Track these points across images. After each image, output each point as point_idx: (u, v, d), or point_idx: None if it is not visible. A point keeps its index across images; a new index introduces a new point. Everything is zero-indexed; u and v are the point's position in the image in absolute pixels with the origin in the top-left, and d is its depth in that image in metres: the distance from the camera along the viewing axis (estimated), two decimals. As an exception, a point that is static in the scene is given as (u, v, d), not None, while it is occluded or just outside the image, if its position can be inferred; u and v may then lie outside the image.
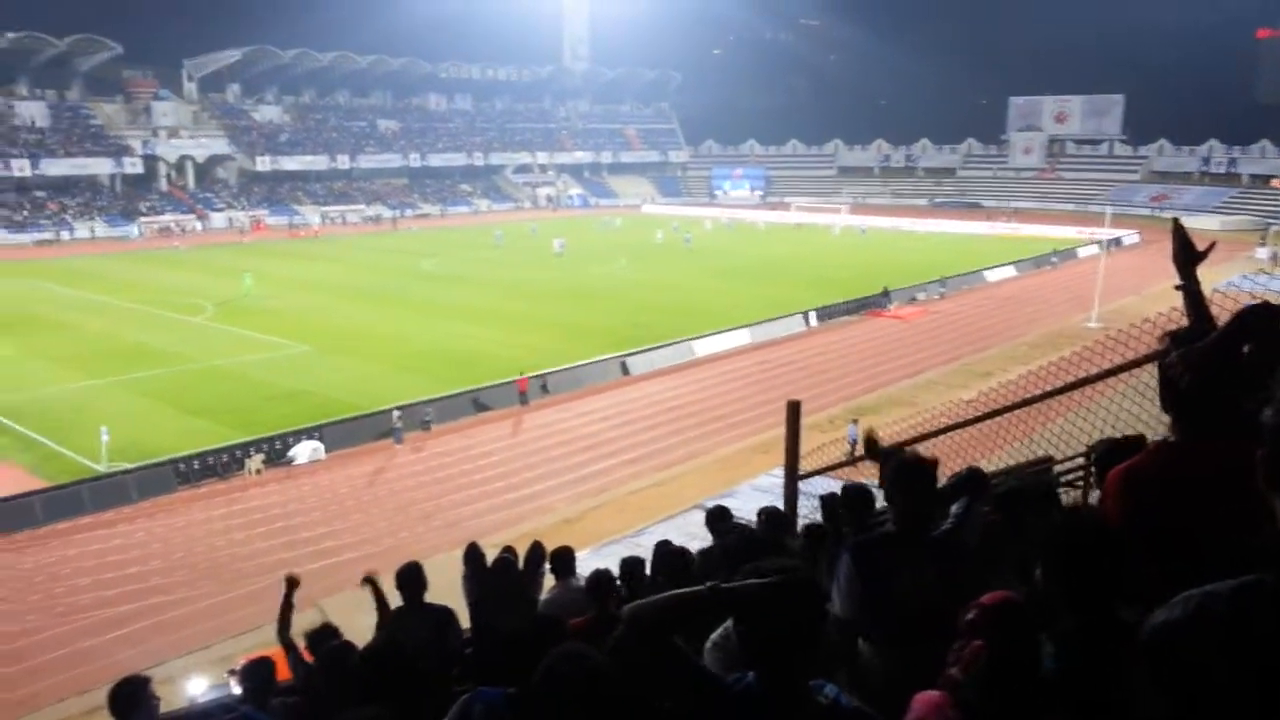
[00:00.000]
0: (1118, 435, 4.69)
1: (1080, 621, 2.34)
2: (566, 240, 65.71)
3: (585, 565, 9.57)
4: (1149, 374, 5.11)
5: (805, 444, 9.69)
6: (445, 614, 6.56)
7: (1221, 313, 5.13)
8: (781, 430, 9.55)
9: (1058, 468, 8.79)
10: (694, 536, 13.59)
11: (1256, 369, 2.75)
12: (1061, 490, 8.40)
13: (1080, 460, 8.40)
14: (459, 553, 7.36)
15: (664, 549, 7.61)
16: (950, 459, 7.95)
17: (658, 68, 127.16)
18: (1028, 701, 2.24)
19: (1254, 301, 2.85)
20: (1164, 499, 2.65)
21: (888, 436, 9.39)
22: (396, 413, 27.39)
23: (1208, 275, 3.66)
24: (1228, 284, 7.39)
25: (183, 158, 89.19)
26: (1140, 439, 4.12)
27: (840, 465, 10.20)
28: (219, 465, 24.36)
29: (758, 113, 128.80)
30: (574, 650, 2.62)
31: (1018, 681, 2.27)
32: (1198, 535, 2.49)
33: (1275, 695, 1.33)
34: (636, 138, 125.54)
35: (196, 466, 24.10)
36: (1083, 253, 63.61)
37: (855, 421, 23.89)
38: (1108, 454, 3.93)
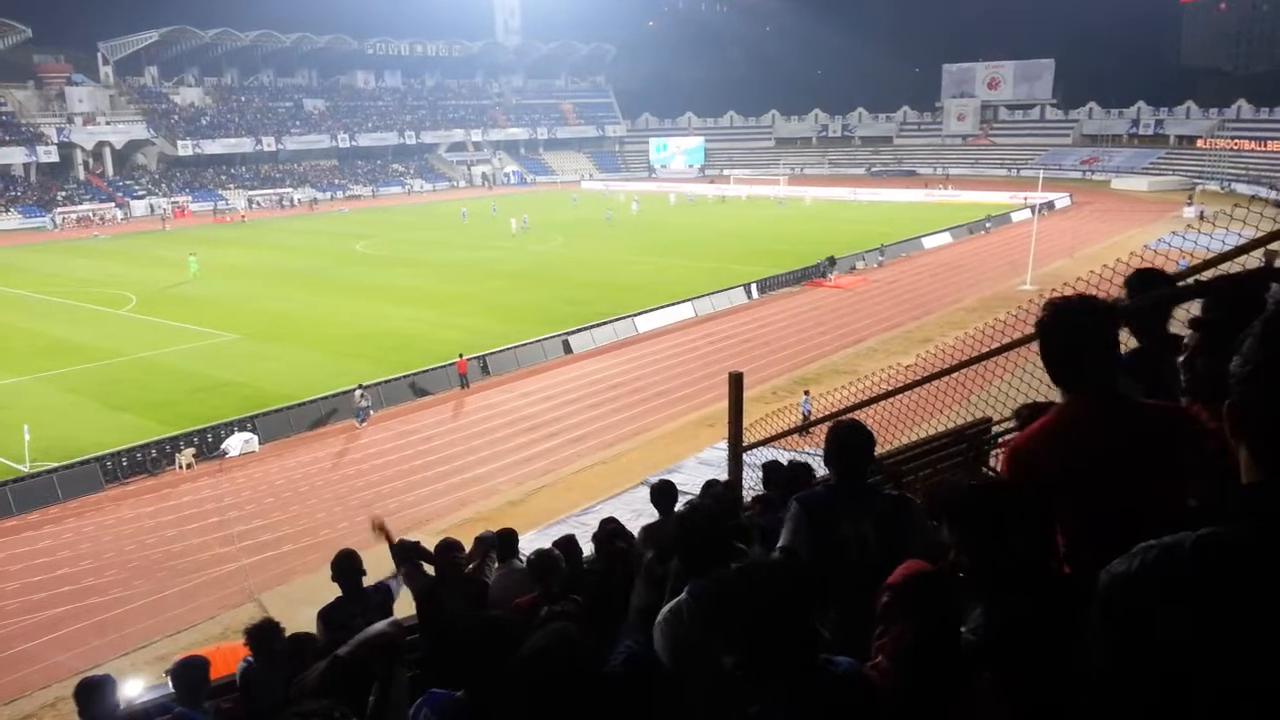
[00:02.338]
0: (1050, 399, 4.67)
1: (996, 586, 2.38)
2: (530, 217, 65.45)
3: (532, 546, 9.45)
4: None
5: (749, 416, 9.62)
6: (385, 594, 6.58)
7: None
8: (725, 403, 9.46)
9: (996, 428, 8.85)
10: (640, 513, 13.54)
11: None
12: (999, 450, 8.46)
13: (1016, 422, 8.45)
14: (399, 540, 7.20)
15: (608, 527, 7.52)
16: (893, 425, 7.96)
17: (592, 41, 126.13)
18: (955, 672, 2.26)
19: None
20: (1070, 468, 2.63)
21: (830, 405, 9.36)
22: (359, 391, 26.90)
23: (1140, 236, 3.62)
24: (1159, 242, 7.43)
25: (100, 144, 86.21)
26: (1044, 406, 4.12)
27: (785, 435, 10.16)
28: (148, 461, 23.60)
29: (694, 85, 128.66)
30: (563, 631, 2.64)
31: (943, 654, 2.27)
32: (1107, 506, 2.47)
33: (1231, 649, 1.30)
34: (572, 112, 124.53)
35: (125, 463, 23.32)
36: (1016, 217, 64.76)
37: (807, 393, 23.99)
38: (1031, 419, 3.92)
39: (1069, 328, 2.71)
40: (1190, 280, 3.82)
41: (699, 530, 3.75)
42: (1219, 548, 1.37)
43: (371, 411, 27.27)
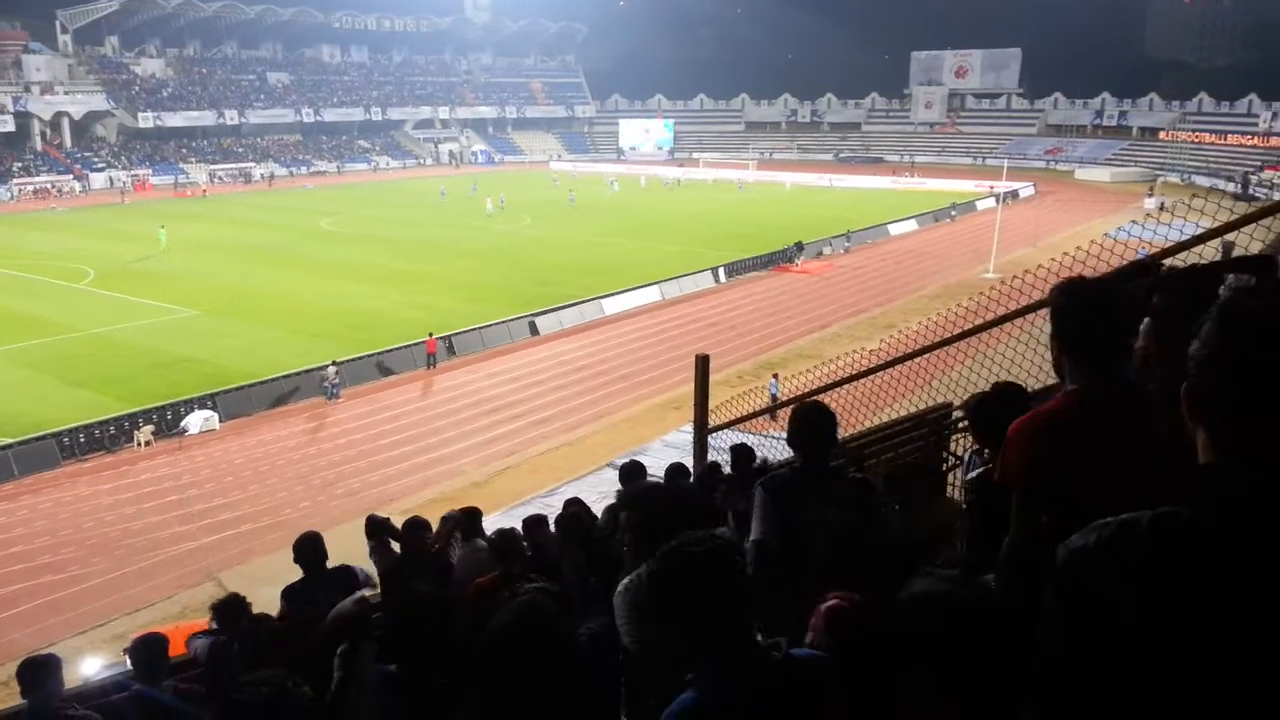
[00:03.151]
0: (1011, 381, 4.75)
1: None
2: (506, 197, 65.08)
3: (496, 527, 9.41)
4: (1043, 321, 5.17)
5: (714, 399, 9.68)
6: (348, 575, 6.47)
7: (1113, 256, 5.20)
8: (691, 386, 9.51)
9: (956, 413, 8.97)
10: (605, 495, 13.56)
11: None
12: (959, 435, 8.60)
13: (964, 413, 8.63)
14: (362, 522, 7.18)
15: (571, 509, 7.55)
16: (857, 409, 8.06)
17: (562, 19, 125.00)
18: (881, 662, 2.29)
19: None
20: (1077, 451, 2.61)
21: (795, 388, 9.44)
22: (333, 368, 26.83)
23: (1101, 225, 3.68)
24: (1120, 231, 7.57)
25: (58, 114, 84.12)
26: (1010, 385, 4.16)
27: (750, 417, 10.24)
28: (106, 438, 23.25)
29: (665, 67, 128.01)
30: (534, 603, 2.63)
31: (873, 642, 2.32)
32: (1112, 488, 2.45)
33: (1182, 628, 1.31)
34: (541, 92, 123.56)
35: (82, 439, 22.96)
36: (981, 205, 65.39)
37: (775, 376, 24.13)
38: (979, 406, 3.98)
39: (1089, 309, 2.68)
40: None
41: (663, 515, 3.69)
42: (1175, 527, 1.38)
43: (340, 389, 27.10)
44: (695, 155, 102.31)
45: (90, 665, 12.52)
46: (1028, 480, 2.74)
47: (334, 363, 27.16)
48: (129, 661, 5.97)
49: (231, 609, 5.87)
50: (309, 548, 6.32)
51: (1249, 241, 4.55)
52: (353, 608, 3.59)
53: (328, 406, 26.39)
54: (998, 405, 3.69)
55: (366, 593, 6.25)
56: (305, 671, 4.16)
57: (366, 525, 6.88)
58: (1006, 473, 2.81)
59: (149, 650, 5.52)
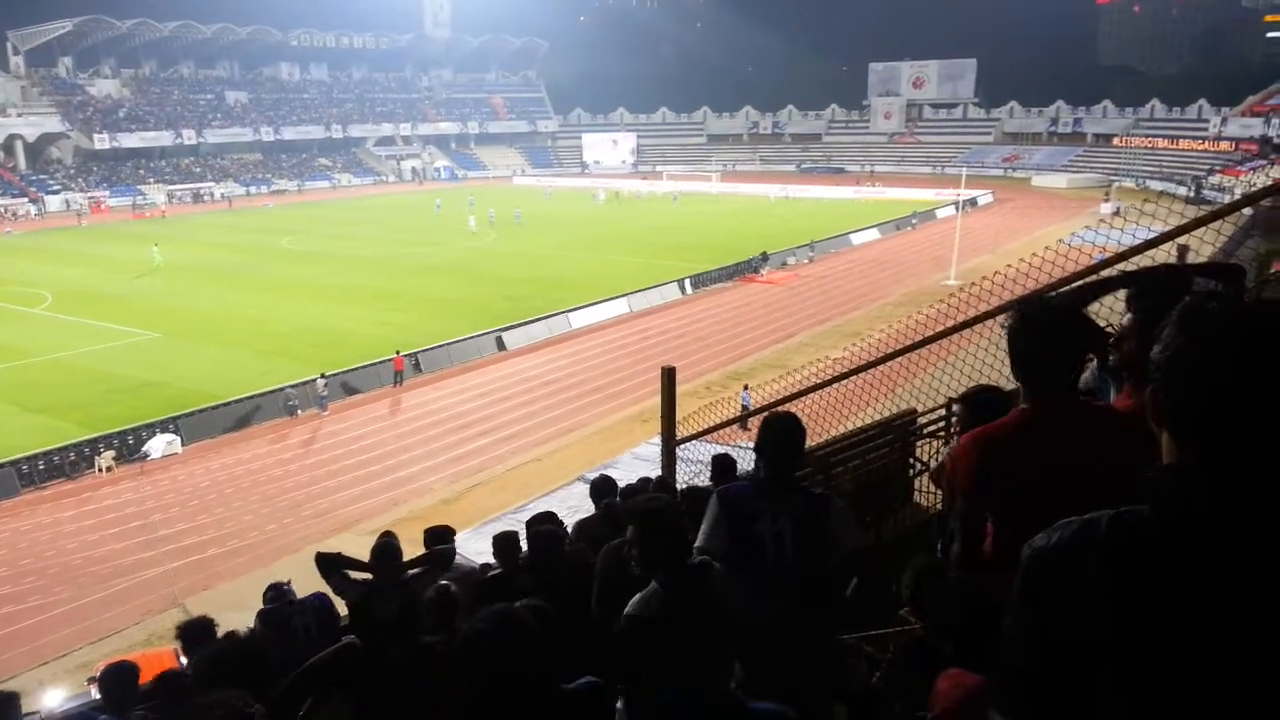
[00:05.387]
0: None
1: None
2: (497, 212, 64.97)
3: (467, 545, 9.36)
4: (1002, 328, 5.26)
5: (682, 410, 9.69)
6: (321, 605, 6.28)
7: (1068, 263, 5.32)
8: (660, 398, 9.52)
9: (921, 419, 9.09)
10: (577, 509, 13.52)
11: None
12: (924, 440, 8.68)
13: (941, 412, 8.72)
14: (332, 542, 7.06)
15: (540, 528, 7.49)
16: (823, 417, 8.12)
17: (523, 35, 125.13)
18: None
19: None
20: (1023, 466, 2.69)
21: (761, 399, 9.50)
22: (322, 381, 27.02)
23: (1058, 231, 3.73)
24: (1074, 237, 7.73)
25: (11, 137, 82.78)
26: (995, 389, 4.22)
27: (718, 428, 10.28)
28: (66, 464, 22.83)
29: (626, 81, 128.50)
30: (507, 613, 2.53)
31: None
32: (1059, 497, 2.51)
33: (1140, 626, 1.33)
34: (504, 107, 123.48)
35: (42, 466, 22.52)
36: (941, 214, 66.17)
37: (746, 387, 24.20)
38: (973, 402, 4.01)
39: (1037, 331, 2.72)
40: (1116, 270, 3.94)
41: (665, 527, 3.66)
42: (1134, 526, 1.40)
43: (299, 409, 26.80)
44: (658, 168, 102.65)
45: (53, 697, 12.28)
46: (974, 490, 2.83)
47: (322, 375, 27.40)
48: (94, 691, 5.85)
49: (197, 631, 5.78)
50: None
51: (1199, 244, 4.68)
52: (329, 654, 3.48)
53: (291, 426, 26.12)
54: (990, 404, 3.71)
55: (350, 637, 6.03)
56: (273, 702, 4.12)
57: (318, 564, 6.28)
58: (954, 482, 2.89)
59: (119, 679, 5.42)
